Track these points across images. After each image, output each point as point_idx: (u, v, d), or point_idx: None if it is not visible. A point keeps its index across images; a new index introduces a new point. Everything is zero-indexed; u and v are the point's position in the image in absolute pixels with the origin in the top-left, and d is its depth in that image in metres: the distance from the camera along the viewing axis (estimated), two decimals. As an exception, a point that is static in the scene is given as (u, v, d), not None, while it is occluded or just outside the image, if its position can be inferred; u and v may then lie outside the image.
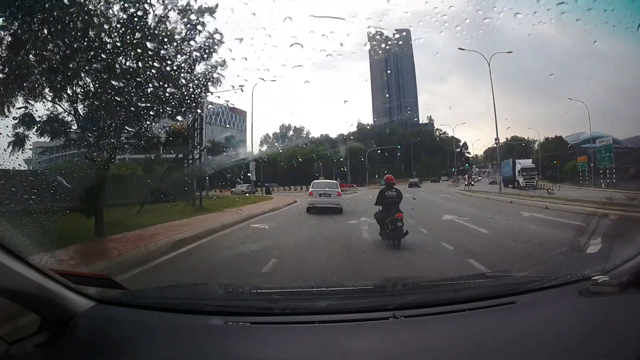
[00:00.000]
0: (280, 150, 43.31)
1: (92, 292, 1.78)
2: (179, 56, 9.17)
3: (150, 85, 8.49)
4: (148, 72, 8.38)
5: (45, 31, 7.66)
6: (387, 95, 78.51)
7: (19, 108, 8.41)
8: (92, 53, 7.83)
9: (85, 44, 7.70)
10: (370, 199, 9.39)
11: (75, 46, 7.65)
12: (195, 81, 9.76)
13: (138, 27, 8.17)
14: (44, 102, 8.51)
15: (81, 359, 1.50)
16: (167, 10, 8.75)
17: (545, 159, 38.11)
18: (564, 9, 9.24)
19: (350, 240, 8.48)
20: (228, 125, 52.42)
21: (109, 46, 7.91)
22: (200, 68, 9.79)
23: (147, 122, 9.24)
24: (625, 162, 31.28)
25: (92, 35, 7.69)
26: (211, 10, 9.29)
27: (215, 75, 9.88)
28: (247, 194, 26.97)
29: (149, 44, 8.24)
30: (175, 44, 9.00)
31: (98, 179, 8.36)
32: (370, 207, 10.06)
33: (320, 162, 35.17)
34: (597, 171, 32.05)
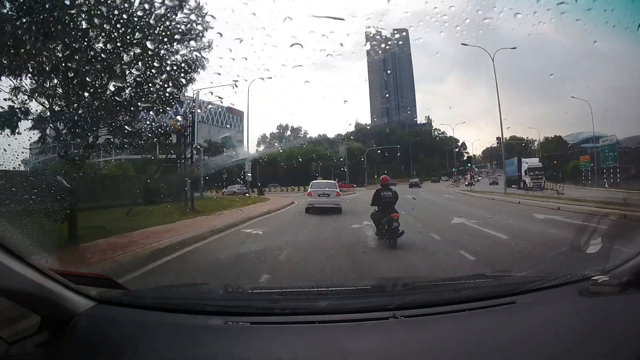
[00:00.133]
0: (281, 150, 43.28)
1: (92, 292, 1.78)
2: (157, 31, 8.34)
3: (124, 67, 7.79)
4: (121, 53, 7.63)
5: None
6: (387, 95, 78.84)
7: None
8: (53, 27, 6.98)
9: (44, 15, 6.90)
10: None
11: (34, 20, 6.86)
12: (176, 64, 9.00)
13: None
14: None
15: (81, 359, 1.50)
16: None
17: (545, 159, 37.67)
18: (564, 9, 9.25)
19: (355, 251, 7.20)
20: (228, 126, 52.51)
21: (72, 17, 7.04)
22: (182, 50, 9.09)
23: (125, 114, 8.64)
24: (626, 161, 30.96)
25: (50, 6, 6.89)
26: None
27: (198, 56, 9.19)
28: (240, 195, 26.68)
29: (121, 22, 7.46)
30: (152, 17, 8.16)
31: (72, 179, 7.64)
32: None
33: (320, 162, 35.10)
34: (599, 171, 31.62)
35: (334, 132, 61.59)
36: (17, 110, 8.04)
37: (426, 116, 75.57)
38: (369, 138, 51.37)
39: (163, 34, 8.49)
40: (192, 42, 9.10)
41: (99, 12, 7.27)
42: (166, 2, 8.26)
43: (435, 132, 66.52)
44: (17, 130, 8.10)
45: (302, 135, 62.49)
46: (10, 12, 7.05)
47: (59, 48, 7.36)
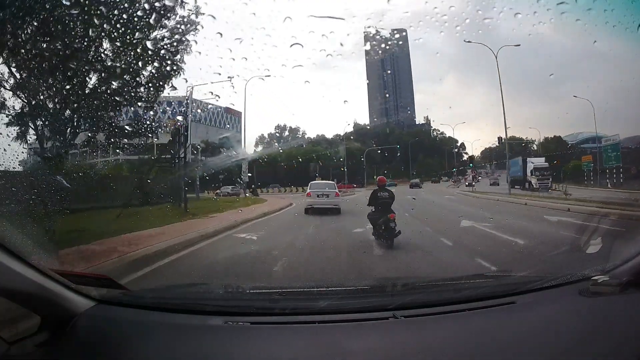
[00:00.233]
0: (281, 150, 43.20)
1: (92, 292, 1.78)
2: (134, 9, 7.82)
3: (101, 50, 7.34)
4: (98, 34, 7.19)
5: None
6: (386, 95, 78.77)
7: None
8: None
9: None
10: None
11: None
12: (160, 47, 8.53)
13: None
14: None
15: (81, 359, 1.50)
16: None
17: (545, 159, 37.65)
18: (564, 9, 9.27)
19: (360, 262, 6.34)
20: (228, 126, 52.46)
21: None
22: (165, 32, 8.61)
23: (108, 108, 8.17)
24: (626, 161, 30.43)
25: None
26: None
27: (182, 38, 8.76)
28: (234, 196, 26.43)
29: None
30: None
31: (50, 178, 7.03)
32: None
33: (320, 162, 35.02)
34: (601, 171, 31.07)
35: (333, 133, 61.46)
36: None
37: (425, 116, 75.66)
38: (367, 138, 51.39)
39: (141, 13, 7.98)
40: (174, 23, 8.65)
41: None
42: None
43: (434, 133, 66.67)
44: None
45: (300, 136, 62.47)
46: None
47: (32, 33, 6.94)
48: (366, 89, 78.80)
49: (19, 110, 7.93)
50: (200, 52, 10.07)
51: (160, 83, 9.40)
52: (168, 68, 9.10)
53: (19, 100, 7.91)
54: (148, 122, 12.01)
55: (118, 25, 7.58)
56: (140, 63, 8.45)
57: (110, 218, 10.48)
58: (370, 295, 2.37)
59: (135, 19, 8.05)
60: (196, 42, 9.87)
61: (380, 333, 1.59)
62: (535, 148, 48.42)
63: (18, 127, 8.07)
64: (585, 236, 6.57)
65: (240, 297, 2.35)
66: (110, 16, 7.43)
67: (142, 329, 1.65)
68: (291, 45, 7.96)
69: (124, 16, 7.68)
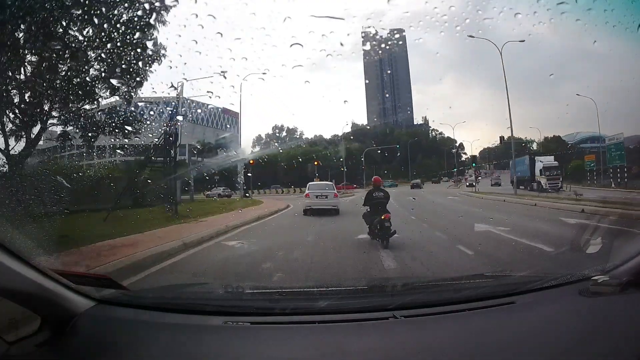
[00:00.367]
0: (281, 150, 43.10)
1: (92, 292, 1.79)
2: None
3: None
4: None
5: None
6: (386, 95, 78.81)
7: None
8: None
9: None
10: (388, 204, 8.10)
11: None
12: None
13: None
14: None
15: (81, 359, 1.50)
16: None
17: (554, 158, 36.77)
18: (564, 9, 9.27)
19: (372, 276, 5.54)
20: (228, 126, 52.43)
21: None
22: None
23: (76, 96, 7.56)
24: (626, 161, 30.44)
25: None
26: None
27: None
28: (225, 197, 26.18)
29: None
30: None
31: (11, 178, 6.45)
32: (392, 217, 9.26)
33: (320, 163, 34.86)
34: (604, 171, 30.41)
35: (330, 133, 61.24)
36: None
37: (423, 116, 75.71)
38: (365, 139, 51.30)
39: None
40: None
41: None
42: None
43: (433, 133, 66.77)
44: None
45: (298, 136, 62.39)
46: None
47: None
48: (364, 89, 78.97)
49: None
50: (200, 52, 10.04)
51: (139, 68, 8.96)
52: (148, 52, 8.69)
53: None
54: (128, 117, 11.28)
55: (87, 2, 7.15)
56: (113, 45, 7.98)
57: (95, 222, 9.79)
58: (370, 295, 2.37)
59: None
60: (196, 41, 9.85)
61: (380, 333, 1.59)
62: (535, 147, 48.43)
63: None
64: (617, 242, 5.46)
65: (240, 297, 2.35)
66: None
67: (142, 329, 1.65)
68: (291, 45, 7.98)
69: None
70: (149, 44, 8.95)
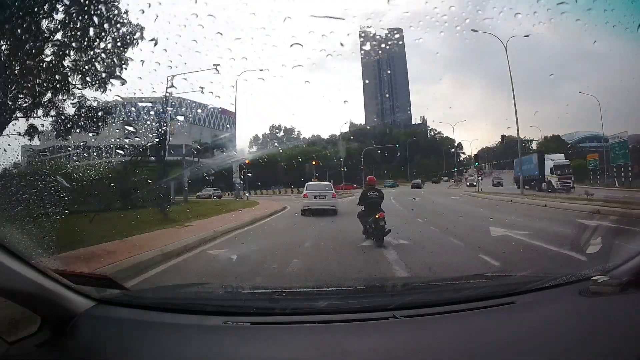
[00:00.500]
0: (281, 150, 42.97)
1: (92, 292, 1.79)
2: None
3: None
4: None
5: None
6: (386, 95, 78.85)
7: None
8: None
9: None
10: (387, 203, 8.06)
11: None
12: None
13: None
14: None
15: (81, 359, 1.50)
16: None
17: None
18: (564, 9, 9.27)
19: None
20: (228, 126, 52.30)
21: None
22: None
23: (43, 83, 7.14)
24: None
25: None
26: None
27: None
28: (216, 198, 25.94)
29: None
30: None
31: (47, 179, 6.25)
32: (397, 221, 8.89)
33: (319, 163, 34.73)
34: (607, 170, 29.71)
35: (328, 133, 61.12)
36: None
37: (421, 116, 75.82)
38: (365, 138, 51.24)
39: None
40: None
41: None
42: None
43: (432, 132, 66.82)
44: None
45: (295, 136, 62.25)
46: None
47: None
48: (362, 89, 78.95)
49: None
50: (200, 52, 10.05)
51: (114, 51, 8.66)
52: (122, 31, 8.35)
53: None
54: (101, 110, 10.58)
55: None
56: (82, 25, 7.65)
57: (80, 224, 9.03)
58: (370, 295, 2.37)
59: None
60: (196, 41, 9.85)
61: (380, 333, 1.59)
62: (535, 147, 48.36)
63: None
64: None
65: (240, 297, 2.35)
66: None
67: (142, 329, 1.65)
68: (291, 45, 7.98)
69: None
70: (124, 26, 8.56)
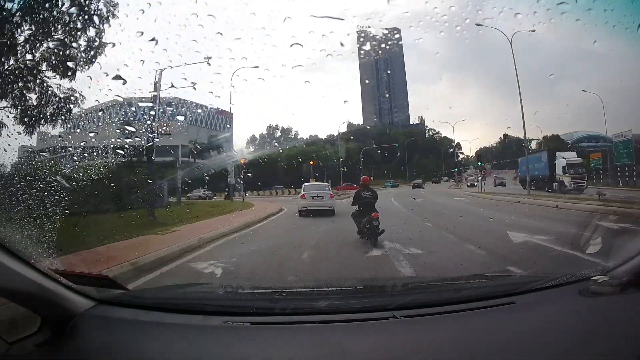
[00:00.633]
0: (281, 150, 42.84)
1: (92, 292, 1.79)
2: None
3: None
4: None
5: None
6: (386, 95, 78.86)
7: None
8: None
9: None
10: (389, 205, 8.18)
11: None
12: None
13: None
14: None
15: (81, 359, 1.50)
16: None
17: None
18: (564, 9, 9.26)
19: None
20: (228, 126, 52.12)
21: None
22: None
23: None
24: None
25: None
26: None
27: None
28: (206, 199, 25.82)
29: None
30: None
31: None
32: (402, 224, 8.80)
33: (320, 163, 34.59)
34: (611, 169, 29.08)
35: (326, 133, 60.93)
36: None
37: (419, 116, 75.90)
38: (363, 139, 51.05)
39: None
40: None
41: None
42: None
43: (430, 132, 66.82)
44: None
45: (292, 136, 62.02)
46: None
47: None
48: (359, 89, 78.90)
49: None
50: (200, 52, 10.05)
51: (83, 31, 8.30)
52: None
53: None
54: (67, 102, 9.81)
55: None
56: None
57: (65, 227, 7.81)
58: (370, 295, 2.37)
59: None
60: (196, 41, 9.84)
61: (380, 333, 1.59)
62: (535, 147, 48.33)
63: None
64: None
65: (240, 297, 2.35)
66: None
67: (142, 329, 1.65)
68: (291, 45, 7.96)
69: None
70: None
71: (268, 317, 1.79)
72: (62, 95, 9.57)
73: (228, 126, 52.03)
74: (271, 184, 36.41)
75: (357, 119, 76.92)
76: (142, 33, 7.95)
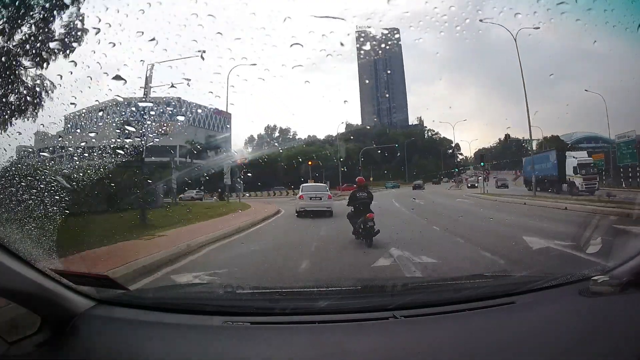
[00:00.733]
0: (281, 150, 42.73)
1: (92, 292, 1.79)
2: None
3: None
4: None
5: None
6: (386, 95, 78.75)
7: None
8: None
9: None
10: (390, 206, 7.96)
11: None
12: None
13: None
14: None
15: (81, 359, 1.50)
16: None
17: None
18: (564, 9, 9.25)
19: None
20: (228, 126, 52.00)
21: None
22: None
23: None
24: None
25: None
26: None
27: None
28: (198, 200, 25.50)
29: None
30: None
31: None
32: (408, 228, 8.64)
33: (320, 163, 34.47)
34: (614, 170, 28.71)
35: (324, 134, 60.50)
36: None
37: (418, 117, 75.98)
38: (363, 139, 50.91)
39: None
40: None
41: None
42: None
43: (429, 133, 66.79)
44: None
45: (291, 137, 61.69)
46: None
47: None
48: (358, 89, 78.86)
49: None
50: (199, 52, 9.99)
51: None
52: None
53: None
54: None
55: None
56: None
57: (42, 231, 7.78)
58: (370, 295, 2.37)
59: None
60: (196, 41, 9.83)
61: (380, 333, 1.59)
62: (535, 147, 48.29)
63: None
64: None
65: (240, 297, 2.35)
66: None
67: (142, 329, 1.65)
68: (291, 45, 7.95)
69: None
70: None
71: (268, 317, 1.79)
72: (30, 83, 8.93)
73: (228, 126, 51.97)
74: (270, 185, 36.17)
75: (356, 120, 76.88)
76: (142, 33, 7.94)
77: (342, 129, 55.94)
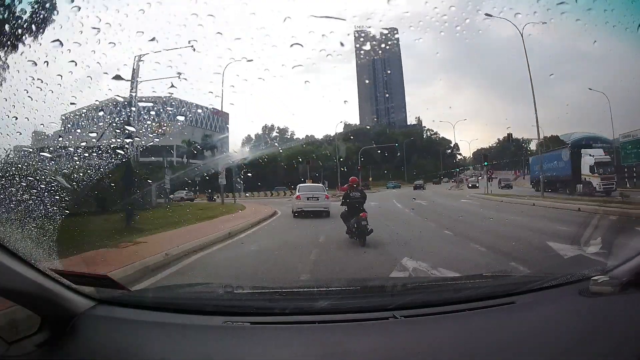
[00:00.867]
0: (281, 150, 42.64)
1: (92, 292, 1.79)
2: None
3: None
4: None
5: None
6: (386, 95, 78.73)
7: None
8: None
9: None
10: (392, 207, 7.75)
11: None
12: None
13: None
14: None
15: (81, 359, 1.50)
16: None
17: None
18: (564, 9, 9.23)
19: None
20: (228, 126, 51.88)
21: None
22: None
23: None
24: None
25: None
26: None
27: None
28: (188, 201, 25.25)
29: None
30: None
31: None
32: (416, 231, 8.41)
33: (320, 163, 34.34)
34: (618, 169, 26.73)
35: (322, 134, 60.20)
36: None
37: (416, 117, 75.99)
38: (360, 139, 50.80)
39: None
40: None
41: None
42: None
43: (428, 133, 66.91)
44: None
45: (288, 137, 61.65)
46: None
47: None
48: (357, 89, 78.83)
49: None
50: (200, 52, 9.98)
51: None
52: None
53: None
54: None
55: None
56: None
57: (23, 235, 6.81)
58: (370, 295, 2.37)
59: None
60: (196, 41, 9.82)
61: (380, 333, 1.59)
62: (535, 147, 48.24)
63: None
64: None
65: (240, 297, 2.34)
66: None
67: (142, 329, 1.65)
68: (291, 45, 7.93)
69: None
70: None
71: (268, 317, 1.78)
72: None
73: (227, 126, 51.89)
74: (270, 185, 36.03)
75: (354, 119, 76.79)
76: (143, 33, 7.93)
77: (340, 129, 55.87)
